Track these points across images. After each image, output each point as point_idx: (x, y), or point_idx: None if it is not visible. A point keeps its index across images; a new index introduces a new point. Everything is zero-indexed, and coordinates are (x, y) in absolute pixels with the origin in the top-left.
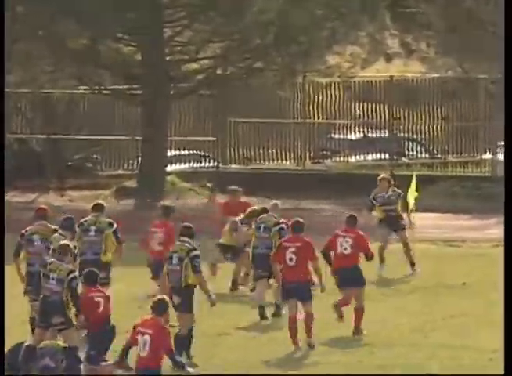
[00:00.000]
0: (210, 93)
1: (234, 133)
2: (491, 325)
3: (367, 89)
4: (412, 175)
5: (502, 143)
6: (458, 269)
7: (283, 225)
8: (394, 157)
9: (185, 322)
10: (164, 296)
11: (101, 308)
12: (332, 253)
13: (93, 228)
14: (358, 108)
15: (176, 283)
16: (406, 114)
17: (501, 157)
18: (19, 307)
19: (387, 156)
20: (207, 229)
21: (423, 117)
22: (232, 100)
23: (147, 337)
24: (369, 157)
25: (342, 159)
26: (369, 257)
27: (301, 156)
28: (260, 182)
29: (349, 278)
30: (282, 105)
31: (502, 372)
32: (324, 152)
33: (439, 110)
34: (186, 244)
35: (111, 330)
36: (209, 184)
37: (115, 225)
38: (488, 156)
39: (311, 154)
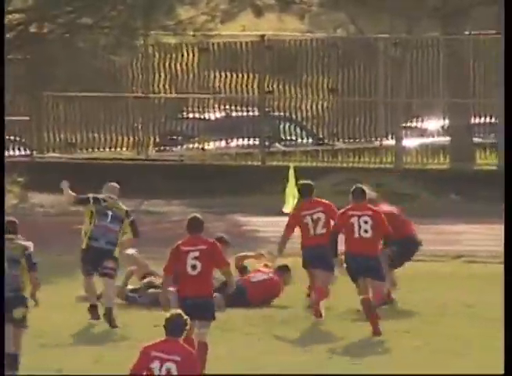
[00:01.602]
0: (22, 58)
1: (54, 111)
2: None
3: (230, 53)
4: (289, 167)
5: (408, 125)
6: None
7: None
8: (267, 143)
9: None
10: (180, 311)
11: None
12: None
13: None
14: (219, 78)
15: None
16: (282, 87)
17: (407, 142)
18: None
19: (256, 141)
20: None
21: (304, 90)
22: (52, 68)
23: (171, 365)
24: (234, 142)
25: (197, 146)
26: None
27: (143, 141)
28: (89, 175)
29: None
30: (117, 74)
31: (503, 372)
32: (174, 137)
33: (325, 80)
34: (19, 242)
35: None
36: (20, 179)
37: None
38: (390, 141)
39: (157, 139)
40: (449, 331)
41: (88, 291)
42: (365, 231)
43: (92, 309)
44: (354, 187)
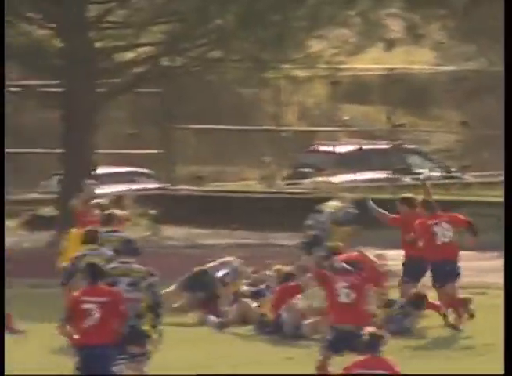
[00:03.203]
0: (153, 91)
1: (184, 144)
2: None
3: (360, 86)
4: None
5: None
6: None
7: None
8: (397, 176)
9: None
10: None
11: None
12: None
13: None
14: (349, 111)
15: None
16: (412, 119)
17: None
18: None
19: (387, 174)
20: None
21: (433, 122)
22: (182, 101)
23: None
24: (363, 175)
25: (327, 179)
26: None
27: (272, 174)
28: (218, 208)
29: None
30: (247, 107)
31: (503, 372)
32: (302, 169)
33: (455, 113)
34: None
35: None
36: (152, 211)
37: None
38: None
39: (286, 172)
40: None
41: None
42: (445, 237)
43: None
44: (422, 199)
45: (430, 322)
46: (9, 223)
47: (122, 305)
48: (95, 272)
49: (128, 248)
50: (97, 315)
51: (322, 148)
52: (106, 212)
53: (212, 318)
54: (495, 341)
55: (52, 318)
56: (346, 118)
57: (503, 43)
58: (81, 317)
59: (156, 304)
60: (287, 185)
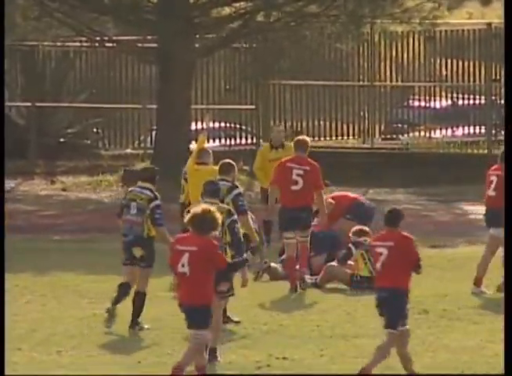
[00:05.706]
0: (249, 47)
1: (280, 100)
2: None
3: (456, 41)
4: None
5: None
6: None
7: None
8: (493, 132)
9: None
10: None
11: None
12: None
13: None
14: (445, 66)
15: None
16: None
17: None
18: None
19: (483, 130)
20: None
21: None
22: (278, 56)
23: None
24: (459, 131)
25: (423, 134)
26: None
27: (368, 130)
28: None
29: None
30: (343, 62)
31: (503, 372)
32: (399, 125)
33: None
34: (148, 193)
35: None
36: (246, 167)
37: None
38: None
39: (382, 128)
40: None
41: None
42: None
43: None
44: None
45: None
46: (106, 178)
47: (412, 251)
48: (396, 218)
49: (210, 189)
50: (389, 259)
51: (418, 103)
52: (226, 161)
53: (307, 277)
54: None
55: None
56: (442, 73)
57: None
58: (376, 260)
59: (238, 241)
60: (384, 140)
